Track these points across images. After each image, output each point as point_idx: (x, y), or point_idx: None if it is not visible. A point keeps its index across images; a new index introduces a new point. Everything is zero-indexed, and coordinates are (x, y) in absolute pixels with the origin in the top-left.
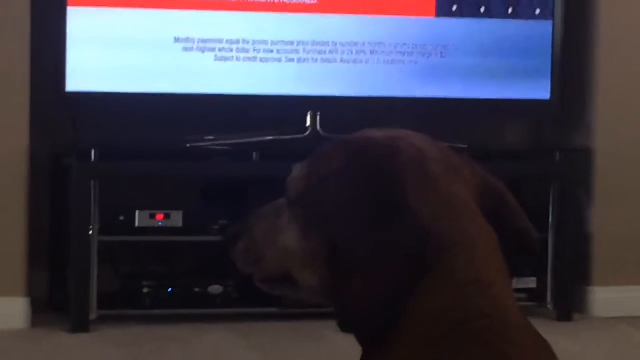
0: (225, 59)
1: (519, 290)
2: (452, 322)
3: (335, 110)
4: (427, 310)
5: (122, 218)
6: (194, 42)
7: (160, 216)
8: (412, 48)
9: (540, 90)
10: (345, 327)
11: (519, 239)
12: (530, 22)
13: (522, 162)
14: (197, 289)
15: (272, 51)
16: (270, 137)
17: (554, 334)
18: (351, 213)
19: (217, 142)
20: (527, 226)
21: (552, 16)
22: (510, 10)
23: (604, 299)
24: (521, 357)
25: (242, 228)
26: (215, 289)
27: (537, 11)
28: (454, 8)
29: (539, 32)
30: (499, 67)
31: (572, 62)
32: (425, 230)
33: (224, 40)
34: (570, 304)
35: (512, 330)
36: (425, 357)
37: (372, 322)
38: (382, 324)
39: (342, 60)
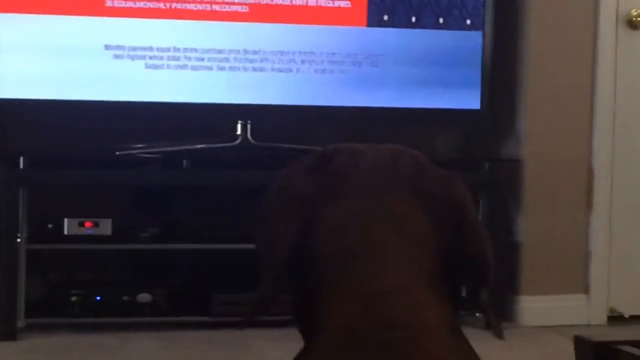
0: (156, 66)
1: None
2: (361, 333)
3: (266, 119)
4: (335, 322)
5: (50, 226)
6: (124, 49)
7: (89, 224)
8: (344, 57)
9: (470, 100)
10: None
11: (471, 265)
12: (461, 32)
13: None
14: (125, 298)
15: (202, 59)
16: (201, 146)
17: (483, 342)
18: (261, 217)
19: (147, 150)
20: (479, 255)
21: (482, 27)
22: (441, 21)
23: (533, 307)
24: None
25: None
26: (144, 297)
27: (468, 22)
28: (385, 18)
29: (469, 42)
30: (430, 76)
31: (501, 73)
32: (290, 240)
33: (155, 48)
34: (498, 313)
35: (422, 339)
36: None
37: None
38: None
39: (273, 69)
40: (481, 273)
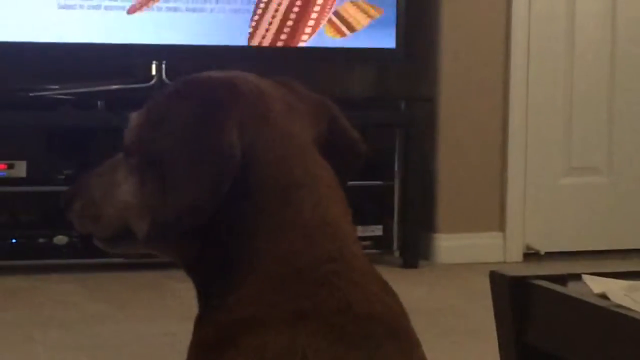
0: (70, 7)
1: (364, 238)
2: (300, 266)
3: (181, 58)
4: (275, 253)
5: None
6: None
7: (3, 166)
8: None
9: (386, 39)
10: (152, 238)
11: (350, 149)
12: None
13: (368, 111)
14: (41, 240)
15: None
16: (116, 86)
17: (400, 280)
18: (178, 131)
19: (61, 91)
20: (355, 135)
21: None
22: None
23: (449, 245)
24: (367, 302)
25: (77, 188)
26: (60, 239)
27: None
28: None
29: None
30: None
31: (417, 12)
32: (238, 149)
33: None
34: (415, 251)
35: (358, 275)
36: (270, 302)
37: (174, 229)
38: (183, 234)
39: (187, 9)
40: (358, 151)
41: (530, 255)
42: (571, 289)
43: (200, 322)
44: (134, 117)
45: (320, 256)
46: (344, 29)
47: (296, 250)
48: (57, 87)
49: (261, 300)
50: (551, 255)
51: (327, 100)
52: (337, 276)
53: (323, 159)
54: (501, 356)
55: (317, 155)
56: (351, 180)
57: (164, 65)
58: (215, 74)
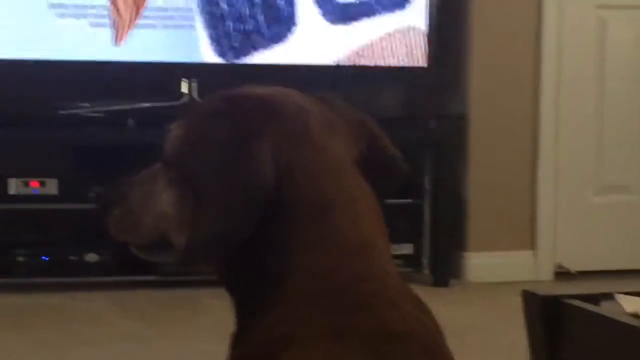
0: (100, 25)
1: (395, 257)
2: (336, 285)
3: (211, 76)
4: (311, 272)
5: None
6: (67, 8)
7: (35, 184)
8: None
9: (417, 58)
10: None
11: (391, 168)
12: None
13: (398, 129)
14: (73, 257)
15: (146, 17)
16: (146, 104)
17: (431, 299)
18: (212, 155)
19: (92, 109)
20: (396, 154)
21: None
22: None
23: (480, 264)
24: (402, 321)
25: (116, 196)
26: (91, 256)
27: None
28: None
29: None
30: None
31: (448, 30)
32: (269, 177)
33: (98, 6)
34: (446, 270)
35: (393, 294)
36: (308, 320)
37: (210, 254)
38: (221, 257)
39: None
40: (400, 171)
41: (562, 274)
42: (604, 308)
43: (236, 340)
44: (175, 128)
45: (355, 275)
46: None
47: (332, 269)
48: (87, 105)
49: (298, 318)
50: (583, 274)
51: (367, 118)
52: (373, 295)
53: (361, 177)
54: None
55: (355, 173)
56: (389, 198)
57: (194, 83)
58: (254, 90)
